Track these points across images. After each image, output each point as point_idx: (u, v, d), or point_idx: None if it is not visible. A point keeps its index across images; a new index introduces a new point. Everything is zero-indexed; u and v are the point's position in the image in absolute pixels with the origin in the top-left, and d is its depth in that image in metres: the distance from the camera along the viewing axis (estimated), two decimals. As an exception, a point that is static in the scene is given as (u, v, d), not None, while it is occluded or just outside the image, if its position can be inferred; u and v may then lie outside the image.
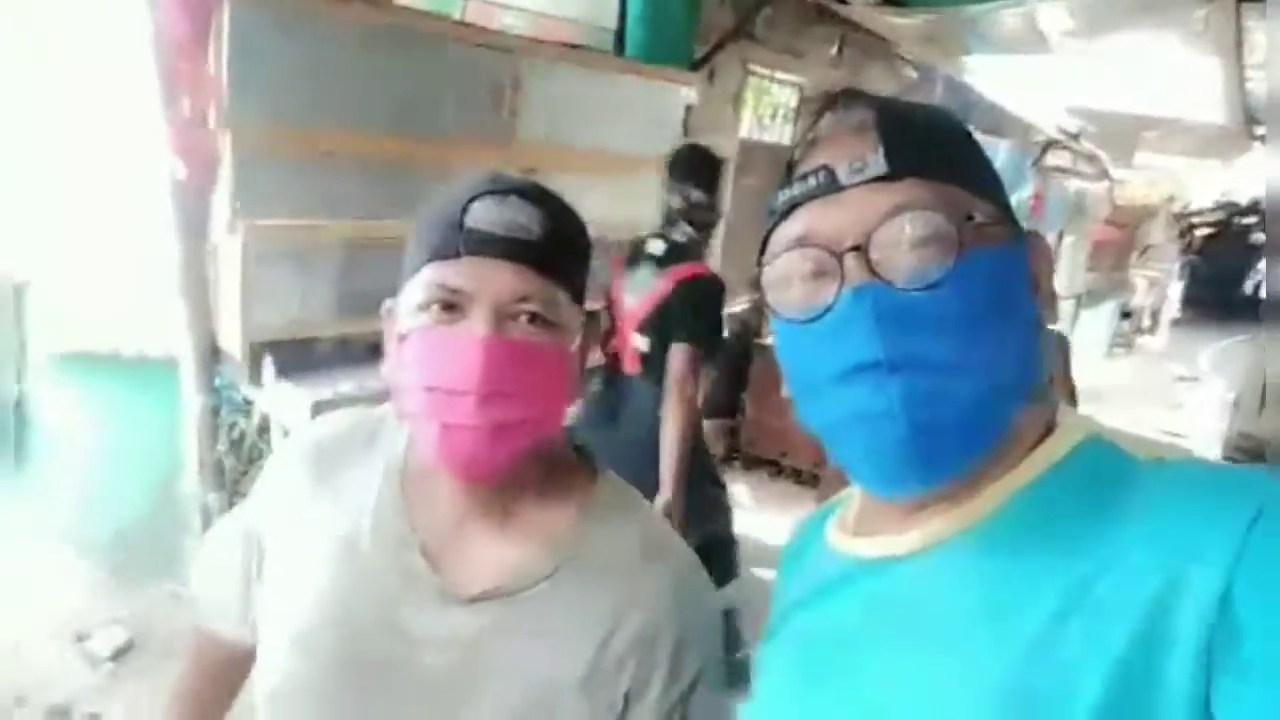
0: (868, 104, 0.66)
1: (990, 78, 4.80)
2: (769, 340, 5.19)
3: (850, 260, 0.60)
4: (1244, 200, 11.89)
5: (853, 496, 0.77)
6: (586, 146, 3.25)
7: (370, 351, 2.88)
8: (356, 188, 2.64)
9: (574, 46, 3.35)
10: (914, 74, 5.38)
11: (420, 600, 0.80)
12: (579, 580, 0.81)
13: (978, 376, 0.59)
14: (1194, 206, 11.76)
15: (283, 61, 2.41)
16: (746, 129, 4.94)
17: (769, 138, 5.27)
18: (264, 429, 2.77)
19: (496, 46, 2.90)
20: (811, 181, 0.64)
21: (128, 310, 2.90)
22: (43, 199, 2.81)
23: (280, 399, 2.54)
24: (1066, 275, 8.85)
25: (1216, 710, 0.46)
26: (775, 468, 5.34)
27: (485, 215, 0.76)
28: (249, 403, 2.77)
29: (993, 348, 0.59)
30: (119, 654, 2.80)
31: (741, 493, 4.98)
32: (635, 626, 0.79)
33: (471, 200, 0.76)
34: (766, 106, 5.22)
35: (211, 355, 2.72)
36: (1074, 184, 8.49)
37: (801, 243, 0.63)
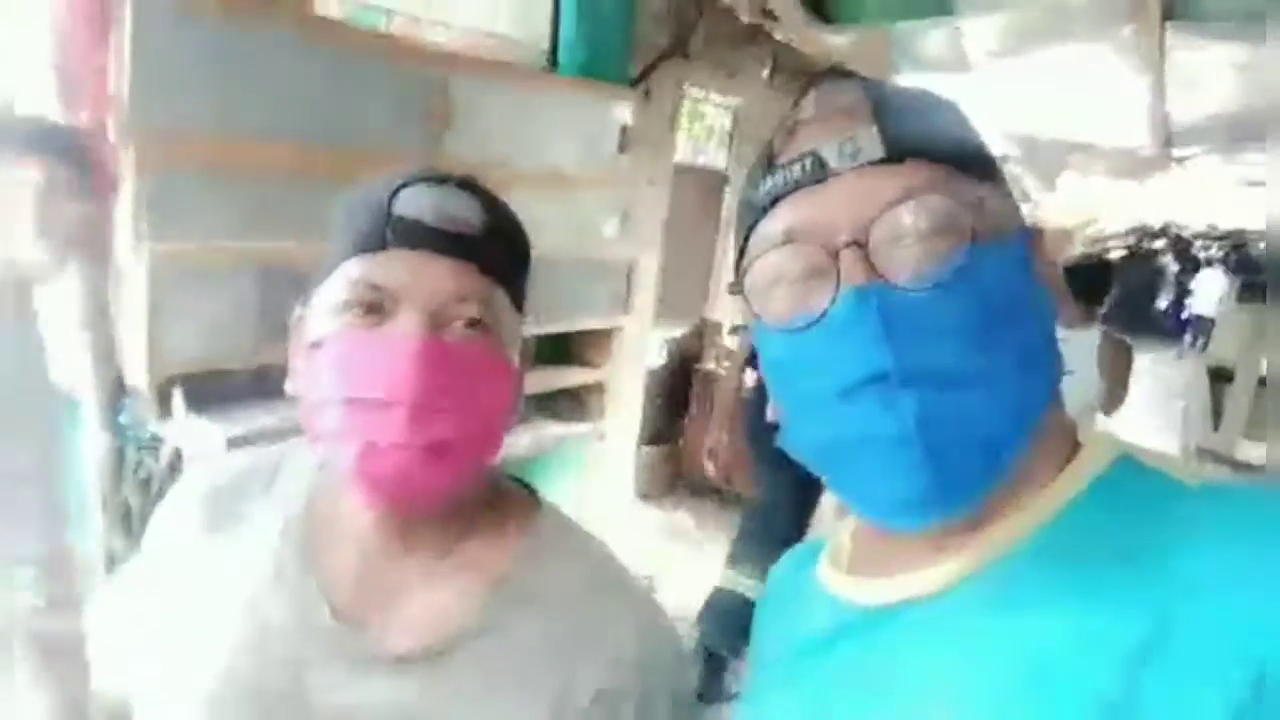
0: (856, 83, 0.58)
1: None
2: (709, 365, 5.16)
3: (847, 257, 0.52)
4: (1156, 224, 12.40)
5: (842, 531, 0.67)
6: (519, 165, 3.14)
7: (292, 382, 2.71)
8: (275, 206, 2.47)
9: (506, 64, 3.26)
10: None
11: (335, 665, 0.67)
12: (526, 629, 0.69)
13: (999, 385, 0.51)
14: (1109, 230, 12.20)
15: (191, 66, 2.24)
16: (682, 151, 4.91)
17: (703, 161, 5.26)
18: (174, 468, 2.57)
19: (426, 60, 2.78)
20: (798, 169, 0.56)
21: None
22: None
23: (192, 435, 2.35)
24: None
25: None
26: (718, 493, 5.26)
27: (417, 203, 0.66)
28: (157, 440, 2.56)
29: (1014, 350, 0.52)
30: None
31: (685, 520, 4.89)
32: (594, 680, 0.69)
33: (401, 186, 0.66)
34: (701, 129, 5.21)
35: (116, 390, 2.52)
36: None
37: (790, 238, 0.55)
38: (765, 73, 5.25)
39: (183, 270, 2.33)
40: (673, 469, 5.38)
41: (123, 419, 2.57)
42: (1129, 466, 0.53)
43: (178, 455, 2.52)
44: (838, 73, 0.61)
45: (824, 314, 0.53)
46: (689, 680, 0.77)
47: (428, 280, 0.65)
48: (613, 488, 4.52)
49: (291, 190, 2.49)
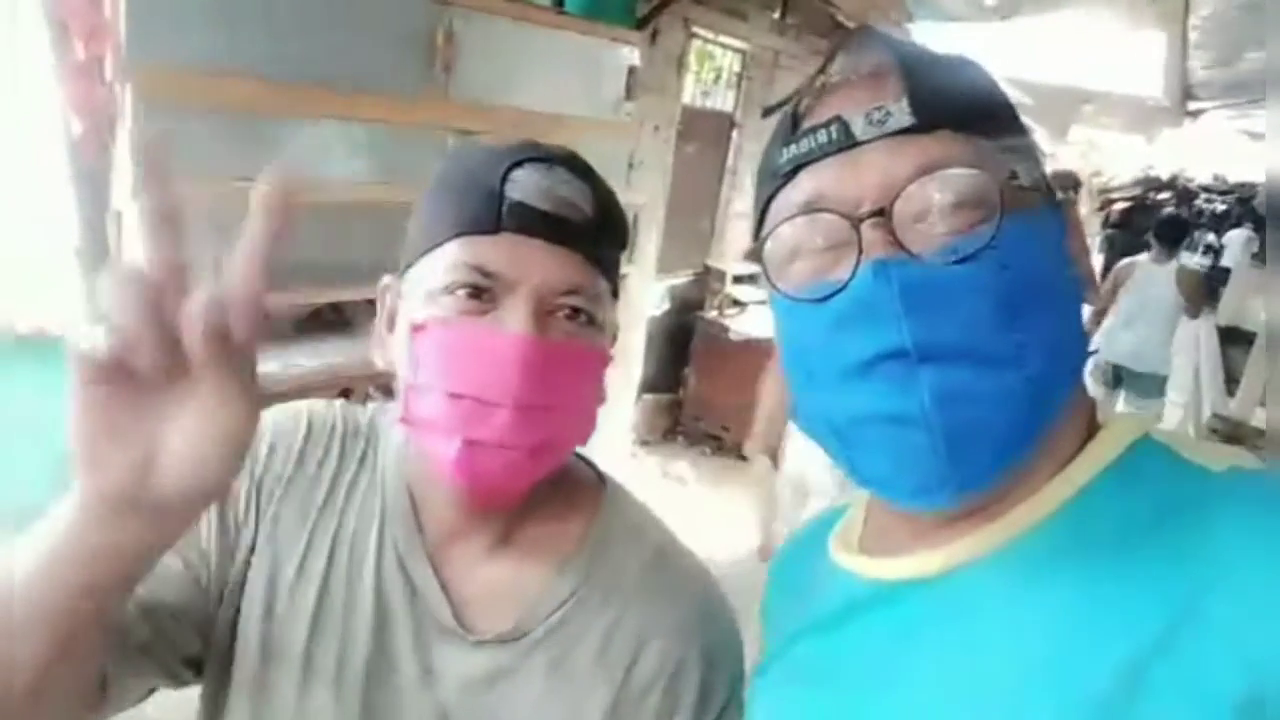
0: (886, 44, 0.55)
1: (932, 46, 4.76)
2: (710, 314, 5.14)
3: (870, 229, 0.50)
4: (1164, 175, 12.26)
5: (855, 509, 0.66)
6: (525, 107, 3.08)
7: (297, 328, 2.68)
8: (277, 146, 2.42)
9: (511, 1, 3.17)
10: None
11: (424, 636, 0.68)
12: (595, 608, 0.70)
13: (1022, 367, 0.49)
14: (1115, 181, 12.07)
15: (191, 2, 2.18)
16: (689, 94, 4.81)
17: (711, 104, 5.16)
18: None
19: (427, -3, 2.70)
20: (822, 136, 0.53)
21: (23, 282, 2.66)
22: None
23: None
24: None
25: None
26: (717, 443, 5.29)
27: (531, 186, 0.63)
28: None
29: (1036, 332, 0.50)
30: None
31: (683, 469, 4.92)
32: (658, 656, 0.70)
33: (513, 166, 0.63)
34: (709, 71, 5.10)
35: (117, 331, 2.50)
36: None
37: (811, 208, 0.53)
38: (776, 14, 5.13)
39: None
40: (672, 418, 5.40)
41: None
42: (1149, 449, 0.51)
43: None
44: (867, 31, 0.58)
45: (843, 286, 0.51)
46: (743, 653, 0.76)
47: (539, 270, 0.63)
48: (611, 435, 4.54)
49: (293, 129, 2.44)
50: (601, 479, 0.81)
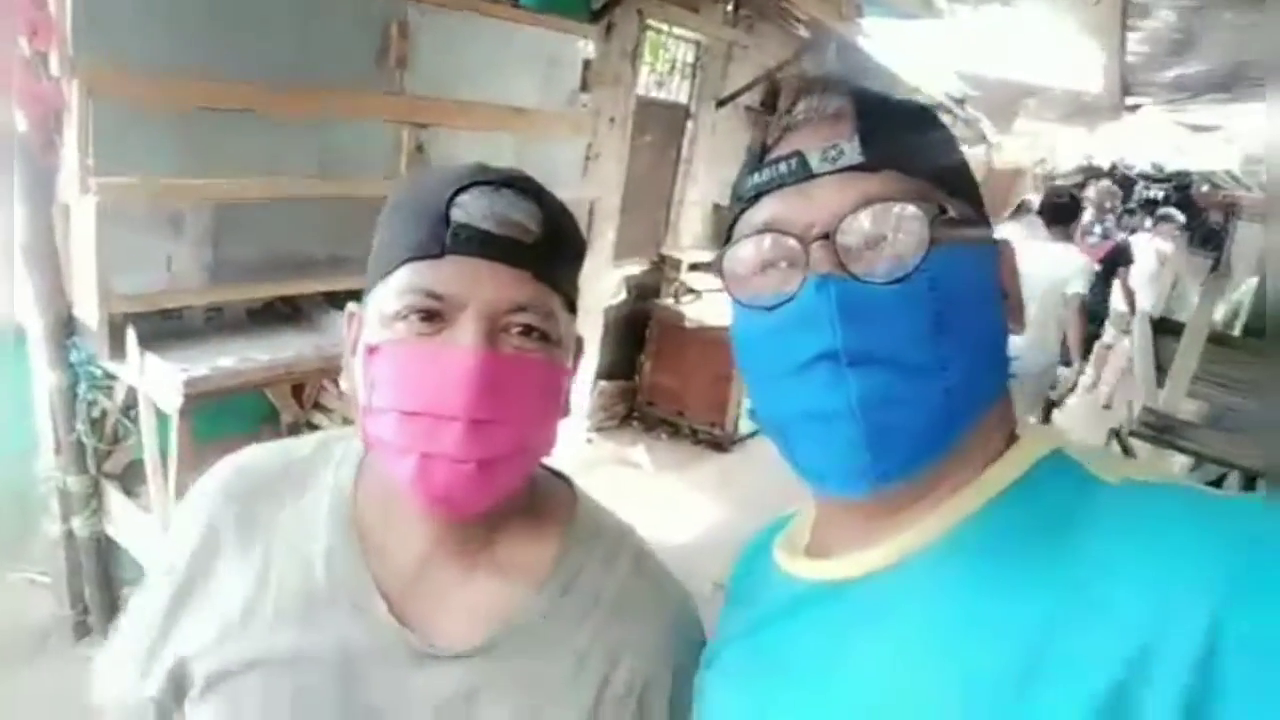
0: (845, 90, 0.62)
1: (882, 40, 4.84)
2: (666, 301, 5.19)
3: (817, 249, 0.57)
4: (1104, 165, 12.58)
5: (800, 517, 0.73)
6: (480, 100, 3.08)
7: (249, 320, 2.67)
8: (226, 141, 2.40)
9: (466, -6, 3.17)
10: (806, 34, 5.38)
11: (389, 660, 0.69)
12: (569, 625, 0.72)
13: (939, 377, 0.56)
14: (1058, 170, 12.37)
15: (140, -1, 2.15)
16: (644, 85, 4.84)
17: (665, 95, 5.19)
18: (129, 407, 2.55)
19: (380, -10, 2.69)
20: (783, 168, 0.60)
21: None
22: None
23: (148, 375, 2.32)
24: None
25: None
26: (672, 428, 5.35)
27: (476, 209, 0.65)
28: (111, 378, 2.53)
29: (956, 349, 0.57)
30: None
31: (639, 455, 4.98)
32: (630, 670, 0.72)
33: (458, 191, 0.65)
34: (664, 62, 5.13)
35: (66, 327, 2.47)
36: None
37: (768, 228, 0.60)
38: (728, 7, 5.17)
39: (132, 206, 2.26)
40: (628, 404, 5.45)
41: (74, 357, 2.52)
42: (1057, 464, 0.57)
43: (132, 394, 2.49)
44: (829, 80, 0.64)
45: (791, 297, 0.58)
46: None
47: (487, 289, 0.65)
48: (568, 421, 4.57)
49: (247, 127, 2.43)
50: (573, 490, 0.82)
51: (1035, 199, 6.76)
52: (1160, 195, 13.32)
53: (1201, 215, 11.18)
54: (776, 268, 0.60)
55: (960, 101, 6.73)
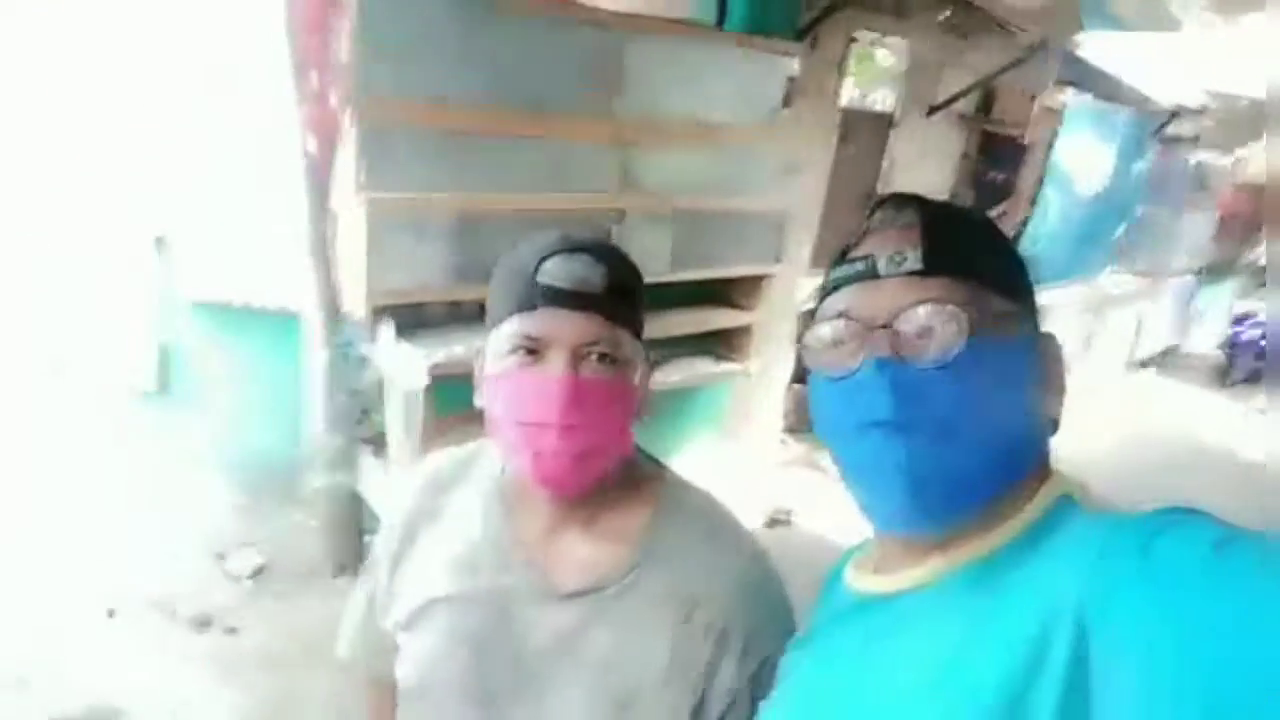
0: (917, 207, 0.75)
1: (1107, 49, 4.61)
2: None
3: (878, 336, 0.70)
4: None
5: (873, 542, 0.85)
6: (686, 119, 3.32)
7: (481, 314, 3.04)
8: (467, 161, 2.80)
9: (676, 21, 3.42)
10: (1026, 43, 5.20)
11: (526, 597, 0.93)
12: (655, 576, 0.92)
13: (971, 445, 0.68)
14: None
15: (404, 39, 2.58)
16: (848, 97, 4.90)
17: (870, 104, 5.22)
18: (379, 383, 3.02)
19: (600, 23, 3.01)
20: (860, 266, 0.74)
21: (261, 268, 3.19)
22: (186, 163, 3.10)
23: (398, 358, 2.76)
24: (1186, 250, 8.46)
25: None
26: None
27: (556, 272, 0.87)
28: (366, 359, 3.01)
29: (988, 423, 0.69)
30: (255, 574, 3.13)
31: (826, 459, 5.02)
32: (707, 616, 0.91)
33: (543, 259, 0.88)
34: (870, 73, 5.16)
35: (334, 314, 2.97)
36: (1197, 157, 8.05)
37: (843, 315, 0.74)
38: (943, 15, 5.11)
39: (393, 216, 2.70)
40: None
41: (339, 339, 3.03)
42: (1064, 508, 0.69)
43: (381, 373, 2.96)
44: (905, 197, 0.77)
45: (854, 372, 0.71)
46: (788, 617, 0.96)
47: (567, 331, 0.86)
48: (762, 422, 4.74)
49: (486, 148, 2.82)
50: (663, 471, 1.02)
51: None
52: None
53: None
54: (846, 346, 0.74)
55: (1198, 111, 6.22)
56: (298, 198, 2.81)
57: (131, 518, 3.15)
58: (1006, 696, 0.58)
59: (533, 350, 0.87)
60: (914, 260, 0.71)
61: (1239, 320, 8.15)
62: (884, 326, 0.70)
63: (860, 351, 0.72)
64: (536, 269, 0.88)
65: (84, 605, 2.82)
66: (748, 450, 4.54)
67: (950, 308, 0.69)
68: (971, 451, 0.69)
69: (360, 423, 3.17)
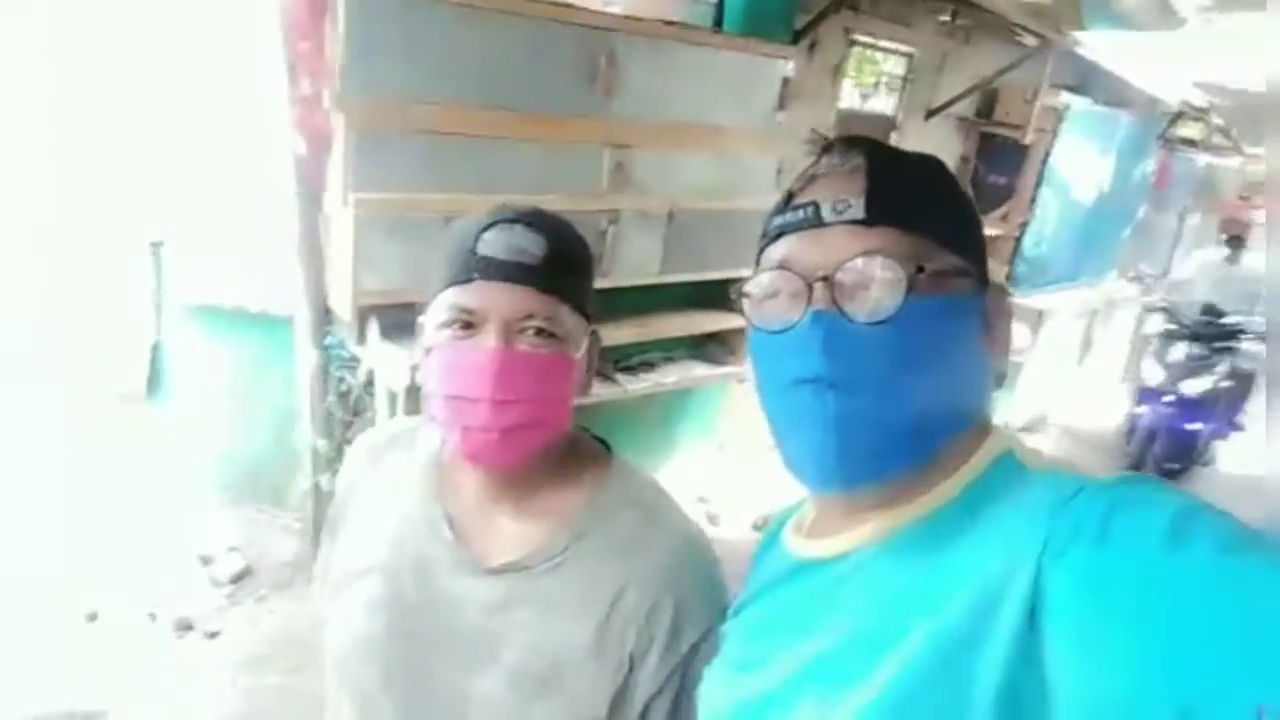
0: (863, 151, 0.71)
1: (1110, 49, 4.58)
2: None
3: (818, 288, 0.67)
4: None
5: (809, 503, 0.83)
6: (680, 121, 3.30)
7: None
8: (457, 162, 2.78)
9: (671, 23, 3.39)
10: (1029, 43, 5.17)
11: (451, 569, 0.92)
12: (587, 556, 0.91)
13: (905, 405, 0.66)
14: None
15: (392, 43, 2.55)
16: (846, 99, 4.88)
17: (870, 107, 5.20)
18: (369, 384, 3.00)
19: (593, 25, 2.98)
20: (801, 214, 0.71)
21: (252, 271, 3.17)
22: (179, 169, 3.08)
23: (384, 358, 2.74)
24: (1190, 253, 8.42)
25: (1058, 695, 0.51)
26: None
27: (493, 243, 0.86)
28: (355, 360, 2.99)
29: (925, 382, 0.66)
30: (237, 578, 3.11)
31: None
32: (636, 597, 0.89)
33: (482, 230, 0.86)
34: (870, 75, 5.14)
35: (324, 315, 2.95)
36: (1203, 159, 8.00)
37: (783, 266, 0.71)
38: (945, 17, 5.09)
39: (381, 217, 2.68)
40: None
41: (328, 340, 3.02)
42: (1005, 464, 0.67)
43: (371, 374, 2.94)
44: (852, 140, 0.74)
45: (792, 325, 0.68)
46: (720, 602, 0.93)
47: (502, 304, 0.84)
48: (755, 425, 4.71)
49: (472, 149, 2.80)
50: (610, 454, 1.00)
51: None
52: None
53: None
54: (785, 298, 0.71)
55: (1204, 111, 6.17)
56: (288, 200, 2.80)
57: (116, 520, 3.14)
58: (948, 658, 0.56)
59: (468, 324, 0.85)
60: (858, 209, 0.68)
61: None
62: (824, 279, 0.67)
63: (800, 303, 0.69)
64: (475, 240, 0.86)
65: (66, 608, 2.80)
66: (740, 454, 4.51)
67: (890, 261, 0.66)
68: (904, 410, 0.66)
69: (350, 424, 3.16)
